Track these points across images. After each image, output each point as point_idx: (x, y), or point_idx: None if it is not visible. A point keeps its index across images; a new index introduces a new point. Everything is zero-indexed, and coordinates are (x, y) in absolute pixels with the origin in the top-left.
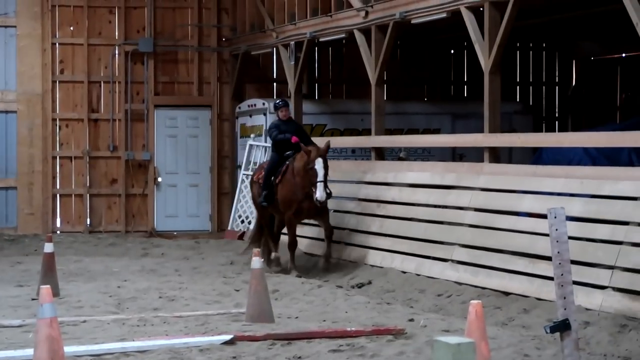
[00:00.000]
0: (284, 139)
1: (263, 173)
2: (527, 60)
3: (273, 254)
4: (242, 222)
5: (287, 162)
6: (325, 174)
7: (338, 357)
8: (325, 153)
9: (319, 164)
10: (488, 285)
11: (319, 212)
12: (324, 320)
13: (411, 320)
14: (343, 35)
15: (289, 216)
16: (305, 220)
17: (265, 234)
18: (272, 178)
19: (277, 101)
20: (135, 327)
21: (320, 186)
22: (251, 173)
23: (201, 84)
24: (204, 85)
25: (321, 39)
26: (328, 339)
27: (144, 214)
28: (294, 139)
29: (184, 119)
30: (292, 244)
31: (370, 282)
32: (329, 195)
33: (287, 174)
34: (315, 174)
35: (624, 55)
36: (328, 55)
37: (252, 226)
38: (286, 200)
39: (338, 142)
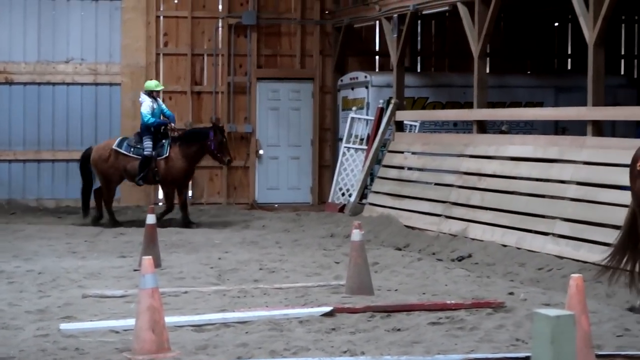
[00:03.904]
0: None
1: None
2: (632, 33)
3: None
4: (343, 194)
5: None
6: None
7: (437, 330)
8: None
9: None
10: (590, 260)
11: None
12: (424, 293)
13: (511, 293)
14: (446, 8)
15: None
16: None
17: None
18: None
19: None
20: (235, 298)
21: None
22: (354, 146)
23: (303, 56)
24: (306, 58)
25: (424, 12)
26: (427, 311)
27: (246, 186)
28: None
29: (286, 92)
30: None
31: (470, 256)
32: None
33: None
34: None
35: None
36: (431, 28)
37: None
38: None
39: (440, 115)
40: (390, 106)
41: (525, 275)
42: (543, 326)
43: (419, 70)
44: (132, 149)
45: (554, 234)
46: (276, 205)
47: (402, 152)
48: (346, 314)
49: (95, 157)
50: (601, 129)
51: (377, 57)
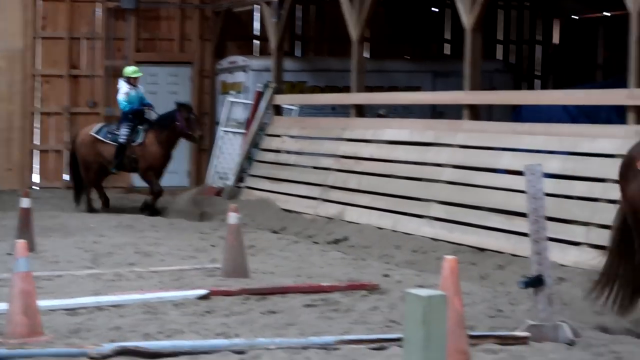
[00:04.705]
0: None
1: None
2: (508, 18)
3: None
4: (221, 178)
5: None
6: None
7: (312, 312)
8: None
9: None
10: (464, 242)
11: None
12: (299, 276)
13: (386, 275)
14: None
15: None
16: None
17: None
18: None
19: None
20: (110, 282)
21: None
22: (233, 130)
23: (182, 40)
24: (185, 42)
25: None
26: (302, 294)
27: None
28: None
29: (165, 76)
30: None
31: (346, 238)
32: None
33: None
34: None
35: (606, 14)
36: (310, 13)
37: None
38: None
39: (318, 99)
40: (269, 90)
41: (401, 257)
42: (415, 306)
43: (298, 54)
44: (109, 136)
45: (429, 217)
46: None
47: (280, 136)
48: (221, 296)
49: (77, 142)
50: (478, 113)
51: (256, 42)
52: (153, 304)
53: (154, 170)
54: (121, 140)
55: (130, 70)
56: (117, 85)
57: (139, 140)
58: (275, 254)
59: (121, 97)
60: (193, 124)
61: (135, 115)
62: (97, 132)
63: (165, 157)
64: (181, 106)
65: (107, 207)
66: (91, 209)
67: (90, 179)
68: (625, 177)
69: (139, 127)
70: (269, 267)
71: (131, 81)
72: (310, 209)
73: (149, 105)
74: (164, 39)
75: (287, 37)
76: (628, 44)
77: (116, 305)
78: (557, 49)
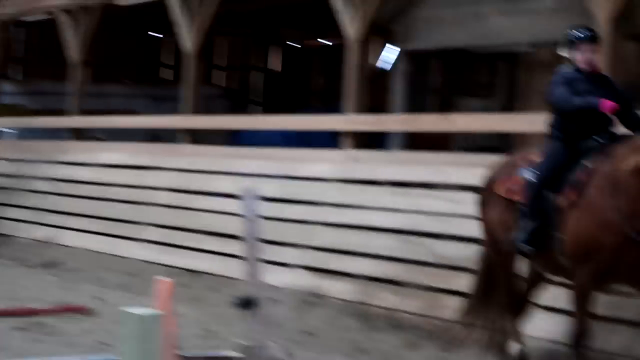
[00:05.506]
0: (585, 105)
1: (526, 178)
2: (229, 45)
3: (515, 348)
4: None
5: (588, 164)
6: None
7: (24, 336)
8: None
9: None
10: (178, 264)
11: None
12: (11, 299)
13: (98, 298)
14: (47, 16)
15: (585, 280)
16: None
17: (498, 302)
18: (553, 194)
19: (578, 32)
20: None
21: None
22: None
23: None
24: None
25: (23, 19)
26: (13, 317)
27: None
28: (608, 104)
29: None
30: (582, 335)
31: (60, 262)
32: None
33: (590, 188)
34: None
35: (325, 42)
36: (31, 35)
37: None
38: (587, 245)
39: (36, 122)
40: None
41: (114, 280)
42: (130, 325)
43: (16, 77)
44: None
45: (143, 240)
46: None
47: None
48: None
49: None
50: (196, 137)
51: None
52: None
53: None
54: None
55: None
56: None
57: None
58: None
59: None
60: None
61: None
62: None
63: None
64: None
65: None
66: None
67: None
68: (483, 202)
69: None
70: None
71: None
72: (24, 232)
73: None
74: None
75: (5, 60)
76: (343, 71)
77: None
78: (276, 76)
